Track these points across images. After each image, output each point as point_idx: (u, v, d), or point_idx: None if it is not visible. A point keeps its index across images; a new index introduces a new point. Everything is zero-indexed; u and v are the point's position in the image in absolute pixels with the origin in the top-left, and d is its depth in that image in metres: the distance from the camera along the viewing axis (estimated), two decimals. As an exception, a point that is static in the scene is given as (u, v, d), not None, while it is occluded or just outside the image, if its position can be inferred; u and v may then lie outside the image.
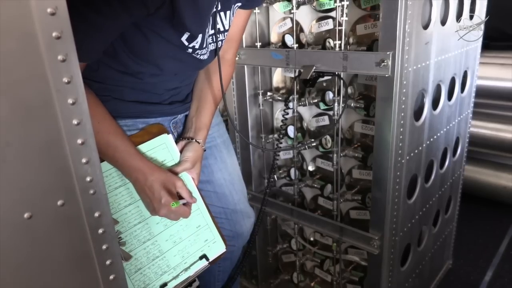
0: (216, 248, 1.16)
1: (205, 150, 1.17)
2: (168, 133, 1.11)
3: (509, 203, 2.43)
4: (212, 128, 1.22)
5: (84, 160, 0.51)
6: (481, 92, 2.23)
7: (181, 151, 1.12)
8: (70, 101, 0.48)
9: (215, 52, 1.08)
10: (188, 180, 1.11)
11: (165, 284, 1.06)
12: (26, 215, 0.47)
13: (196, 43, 0.97)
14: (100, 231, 0.55)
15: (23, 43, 0.43)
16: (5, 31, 0.41)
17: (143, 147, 1.05)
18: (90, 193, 0.52)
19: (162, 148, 1.09)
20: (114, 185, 1.02)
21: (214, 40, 1.05)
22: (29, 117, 0.45)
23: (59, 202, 0.50)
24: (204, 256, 1.13)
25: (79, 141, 0.50)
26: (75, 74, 0.47)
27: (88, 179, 0.52)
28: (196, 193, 1.12)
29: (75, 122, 0.49)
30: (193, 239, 1.12)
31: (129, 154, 0.98)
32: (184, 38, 0.94)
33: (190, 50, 0.98)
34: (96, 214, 0.54)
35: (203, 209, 1.14)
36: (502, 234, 2.26)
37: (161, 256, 1.07)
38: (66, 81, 0.46)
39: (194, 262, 1.11)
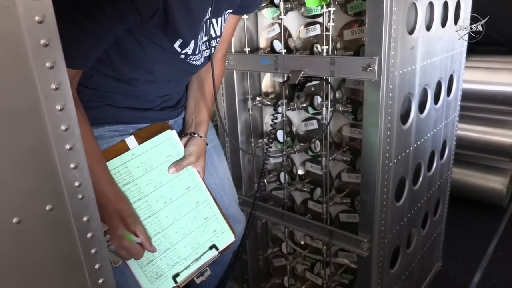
0: (225, 238, 1.18)
1: (207, 144, 1.21)
2: (172, 129, 1.13)
3: (496, 205, 2.47)
4: None
5: (72, 165, 0.51)
6: (468, 96, 2.27)
7: (184, 146, 1.15)
8: (58, 107, 0.48)
9: (208, 57, 1.10)
10: (194, 173, 1.14)
11: (178, 274, 1.09)
12: (15, 220, 0.47)
13: (189, 49, 0.98)
14: (89, 235, 0.55)
15: (11, 50, 0.43)
16: (-7, 39, 0.42)
17: (149, 143, 1.09)
18: (78, 197, 0.53)
19: (167, 144, 1.12)
20: (122, 182, 1.04)
21: (208, 46, 1.07)
22: (17, 123, 0.46)
23: (48, 207, 0.50)
24: (213, 246, 1.16)
25: (67, 146, 0.50)
26: (63, 80, 0.48)
27: (76, 184, 0.52)
28: (202, 186, 1.15)
29: (63, 128, 0.49)
30: (202, 230, 1.14)
31: (102, 179, 0.96)
32: (176, 45, 0.95)
33: (183, 56, 0.99)
34: (85, 219, 0.54)
35: (210, 201, 1.17)
36: (490, 236, 2.30)
37: (172, 247, 1.09)
38: (54, 87, 0.47)
39: (204, 253, 1.14)
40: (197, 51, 1.02)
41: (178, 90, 1.17)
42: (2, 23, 0.42)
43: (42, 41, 0.45)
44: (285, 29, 1.44)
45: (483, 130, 2.44)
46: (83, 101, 0.95)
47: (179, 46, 0.96)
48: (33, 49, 0.44)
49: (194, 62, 1.05)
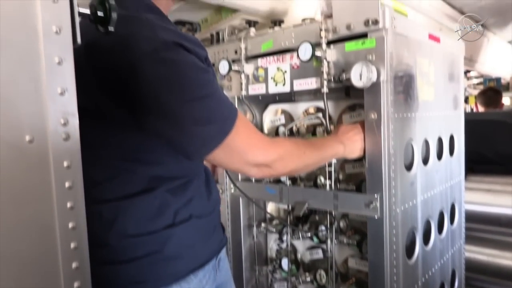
0: None
1: None
2: None
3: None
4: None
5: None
6: (473, 217, 2.22)
7: None
8: (70, 225, 0.51)
9: None
10: None
11: None
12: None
13: None
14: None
15: (39, 175, 0.49)
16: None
17: None
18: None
19: None
20: None
21: None
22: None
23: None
24: None
25: (74, 265, 0.52)
26: (79, 200, 0.52)
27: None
28: None
29: (73, 246, 0.52)
30: None
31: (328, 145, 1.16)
32: None
33: None
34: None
35: None
36: None
37: None
38: (69, 206, 0.51)
39: None
40: None
41: None
42: (32, 155, 0.48)
43: (65, 163, 0.50)
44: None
45: (492, 253, 2.33)
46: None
47: None
48: (56, 172, 0.50)
49: None
